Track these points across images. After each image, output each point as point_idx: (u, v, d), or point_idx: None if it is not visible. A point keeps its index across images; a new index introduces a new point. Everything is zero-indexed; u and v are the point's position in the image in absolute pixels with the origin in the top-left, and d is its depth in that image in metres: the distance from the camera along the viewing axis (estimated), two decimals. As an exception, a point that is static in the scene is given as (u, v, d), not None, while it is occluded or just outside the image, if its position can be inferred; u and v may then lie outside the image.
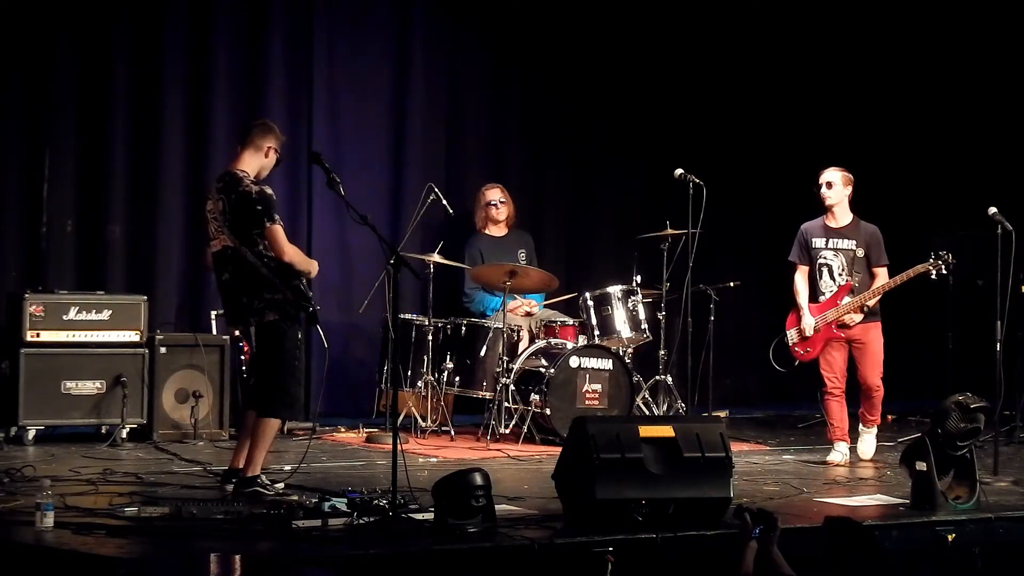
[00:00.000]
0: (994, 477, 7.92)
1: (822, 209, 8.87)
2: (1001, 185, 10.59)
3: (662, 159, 10.19)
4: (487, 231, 10.31)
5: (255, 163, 7.26)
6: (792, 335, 8.92)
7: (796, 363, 8.96)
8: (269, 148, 7.28)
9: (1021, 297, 9.10)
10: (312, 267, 7.26)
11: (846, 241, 8.79)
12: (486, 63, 11.15)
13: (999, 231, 8.24)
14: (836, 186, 8.77)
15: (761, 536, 5.68)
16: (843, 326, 8.73)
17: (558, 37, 11.22)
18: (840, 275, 8.77)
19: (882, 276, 8.73)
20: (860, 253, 8.76)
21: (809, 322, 8.80)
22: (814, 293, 8.86)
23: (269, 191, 7.14)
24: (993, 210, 8.31)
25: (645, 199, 11.30)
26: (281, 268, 7.09)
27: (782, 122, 11.92)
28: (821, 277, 8.84)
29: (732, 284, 10.33)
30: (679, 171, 9.29)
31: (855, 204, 8.93)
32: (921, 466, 7.03)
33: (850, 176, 8.83)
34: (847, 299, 8.72)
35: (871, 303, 8.69)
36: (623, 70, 11.44)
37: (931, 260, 8.59)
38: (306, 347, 10.16)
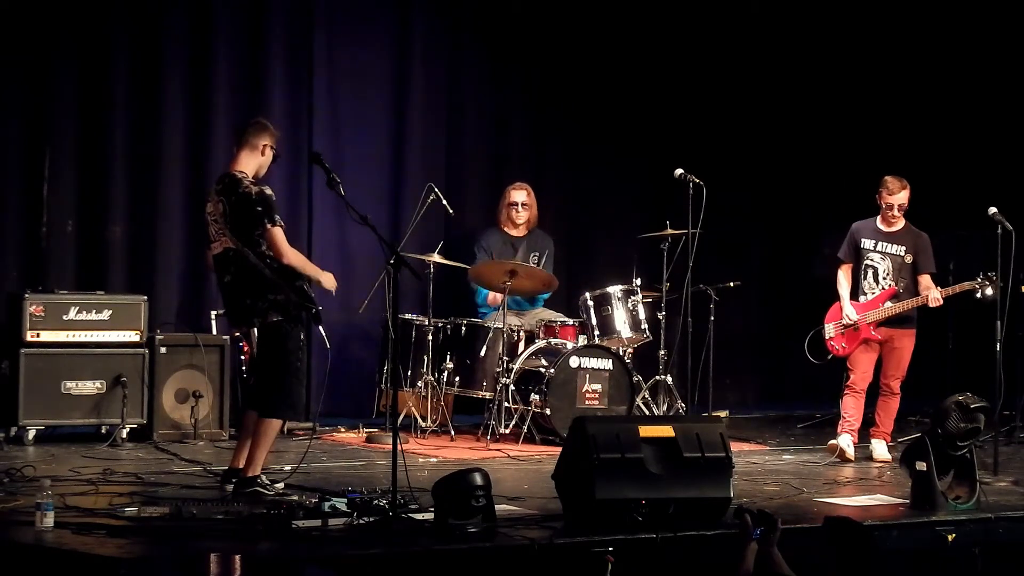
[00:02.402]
0: (994, 477, 7.93)
1: (875, 211, 8.90)
2: (1001, 185, 10.59)
3: (662, 159, 10.19)
4: (506, 228, 10.30)
5: (253, 163, 7.25)
6: (831, 329, 8.94)
7: (830, 357, 8.98)
8: (265, 146, 7.27)
9: (1021, 297, 9.10)
10: (322, 277, 7.22)
11: (896, 246, 8.82)
12: (486, 63, 11.14)
13: (999, 231, 8.25)
14: (905, 207, 8.80)
15: (762, 537, 5.69)
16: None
17: (558, 37, 11.21)
18: (885, 278, 8.80)
19: (926, 283, 8.74)
20: (908, 259, 8.80)
21: (850, 311, 8.84)
22: (855, 292, 8.90)
23: (269, 192, 7.12)
24: (993, 210, 8.32)
25: (645, 199, 11.30)
26: (283, 269, 7.09)
27: (782, 122, 11.91)
28: (865, 277, 8.87)
29: (732, 284, 10.33)
30: (679, 171, 9.30)
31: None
32: (921, 466, 7.04)
33: (909, 189, 8.84)
34: (889, 303, 8.74)
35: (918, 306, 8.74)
36: (623, 70, 11.43)
37: (978, 280, 8.60)
38: (306, 347, 10.19)
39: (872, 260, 8.86)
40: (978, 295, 8.62)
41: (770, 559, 5.65)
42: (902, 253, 8.82)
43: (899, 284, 8.79)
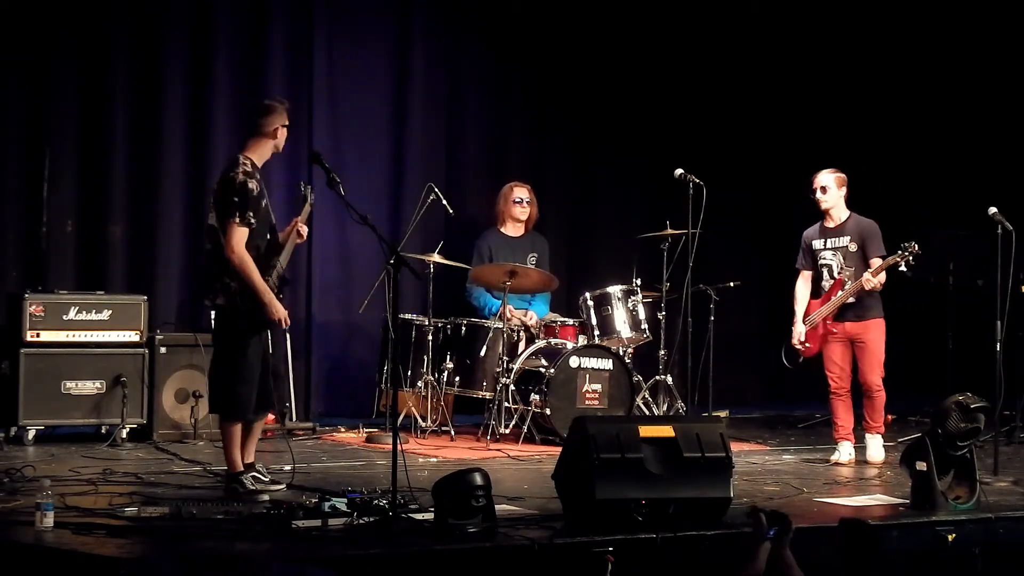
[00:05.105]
0: (994, 477, 7.92)
1: (820, 213, 8.87)
2: (1001, 185, 10.59)
3: (662, 159, 10.20)
4: (503, 229, 10.29)
5: (264, 149, 7.21)
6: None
7: (801, 360, 8.96)
8: (275, 128, 7.21)
9: (1021, 297, 9.09)
10: (270, 302, 7.00)
11: (841, 239, 8.79)
12: (486, 63, 11.15)
13: (999, 231, 8.24)
14: (830, 190, 8.78)
15: (775, 537, 5.67)
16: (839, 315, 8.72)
17: (558, 37, 11.22)
18: (839, 273, 8.77)
19: (881, 275, 8.70)
20: (853, 248, 8.74)
21: (800, 330, 8.86)
22: (817, 293, 8.87)
23: (252, 186, 7.00)
24: (993, 210, 8.31)
25: (645, 199, 11.30)
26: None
27: (782, 122, 11.92)
28: (822, 278, 8.84)
29: (732, 284, 10.33)
30: (679, 171, 9.30)
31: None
32: (921, 466, 7.03)
33: (843, 176, 8.82)
34: (839, 294, 8.72)
35: (862, 290, 8.65)
36: (623, 70, 11.44)
37: (898, 252, 8.57)
38: (306, 347, 10.21)
39: (825, 259, 8.82)
40: (901, 267, 8.57)
41: (782, 560, 5.63)
42: (847, 243, 8.78)
43: (844, 274, 8.74)
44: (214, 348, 7.33)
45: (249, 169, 7.08)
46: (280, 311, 7.09)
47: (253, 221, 7.02)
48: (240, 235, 6.97)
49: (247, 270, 6.98)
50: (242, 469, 7.09)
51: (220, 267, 7.05)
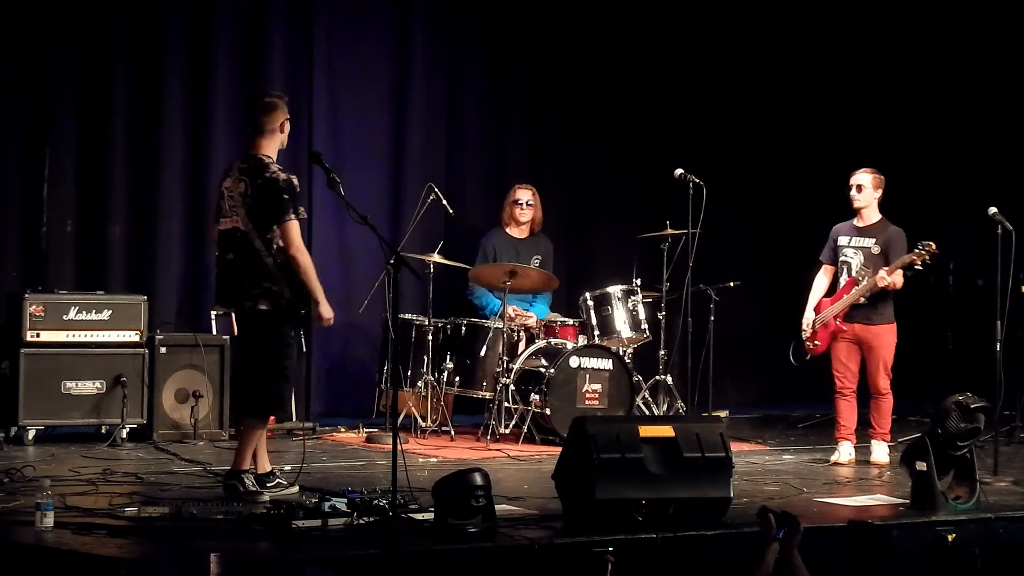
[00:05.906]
0: (994, 477, 7.93)
1: (853, 211, 8.86)
2: (1001, 185, 10.59)
3: (662, 159, 10.20)
4: (508, 230, 10.29)
5: (274, 144, 7.16)
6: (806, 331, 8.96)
7: (808, 357, 8.96)
8: (282, 123, 7.17)
9: (1021, 297, 9.10)
10: (322, 303, 7.06)
11: (867, 240, 8.78)
12: (486, 63, 11.15)
13: (999, 231, 8.24)
14: (866, 189, 8.78)
15: (784, 538, 5.66)
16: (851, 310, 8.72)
17: (558, 37, 11.22)
18: (855, 272, 8.77)
19: (896, 276, 8.70)
20: (876, 250, 8.73)
21: (809, 317, 8.87)
22: (833, 290, 8.88)
23: (296, 181, 7.04)
24: (993, 210, 8.31)
25: (645, 199, 11.30)
26: (287, 263, 7.01)
27: (782, 122, 11.92)
28: (841, 274, 8.85)
29: (732, 284, 10.34)
30: (679, 171, 9.31)
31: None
32: (921, 466, 7.03)
33: (881, 178, 8.82)
34: (852, 292, 8.72)
35: (876, 291, 8.64)
36: (623, 70, 11.44)
37: (915, 251, 8.57)
38: (306, 347, 10.19)
39: (846, 256, 8.83)
40: (918, 266, 8.57)
41: (790, 561, 5.62)
42: (871, 245, 8.78)
43: (859, 275, 8.74)
44: (253, 348, 7.16)
45: (281, 166, 7.08)
46: (330, 311, 7.12)
47: (304, 214, 7.07)
48: (298, 231, 6.98)
49: (310, 269, 7.02)
50: (247, 468, 7.07)
51: (257, 272, 6.98)
